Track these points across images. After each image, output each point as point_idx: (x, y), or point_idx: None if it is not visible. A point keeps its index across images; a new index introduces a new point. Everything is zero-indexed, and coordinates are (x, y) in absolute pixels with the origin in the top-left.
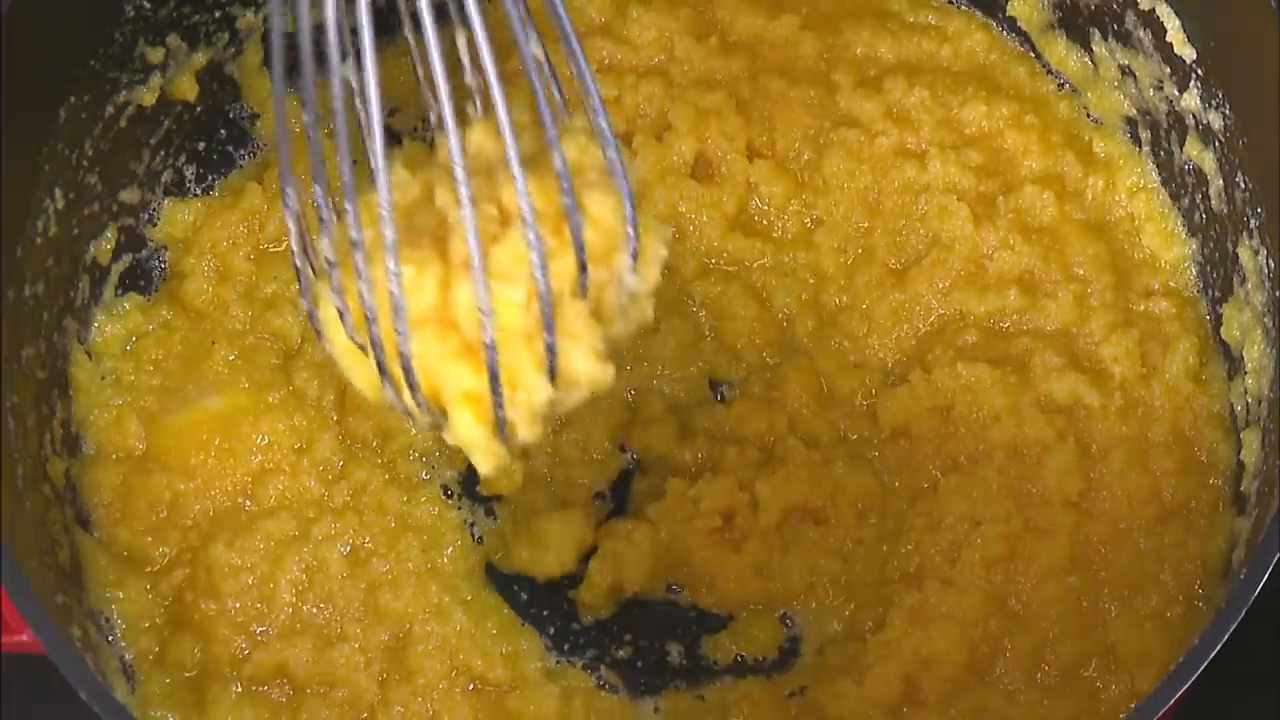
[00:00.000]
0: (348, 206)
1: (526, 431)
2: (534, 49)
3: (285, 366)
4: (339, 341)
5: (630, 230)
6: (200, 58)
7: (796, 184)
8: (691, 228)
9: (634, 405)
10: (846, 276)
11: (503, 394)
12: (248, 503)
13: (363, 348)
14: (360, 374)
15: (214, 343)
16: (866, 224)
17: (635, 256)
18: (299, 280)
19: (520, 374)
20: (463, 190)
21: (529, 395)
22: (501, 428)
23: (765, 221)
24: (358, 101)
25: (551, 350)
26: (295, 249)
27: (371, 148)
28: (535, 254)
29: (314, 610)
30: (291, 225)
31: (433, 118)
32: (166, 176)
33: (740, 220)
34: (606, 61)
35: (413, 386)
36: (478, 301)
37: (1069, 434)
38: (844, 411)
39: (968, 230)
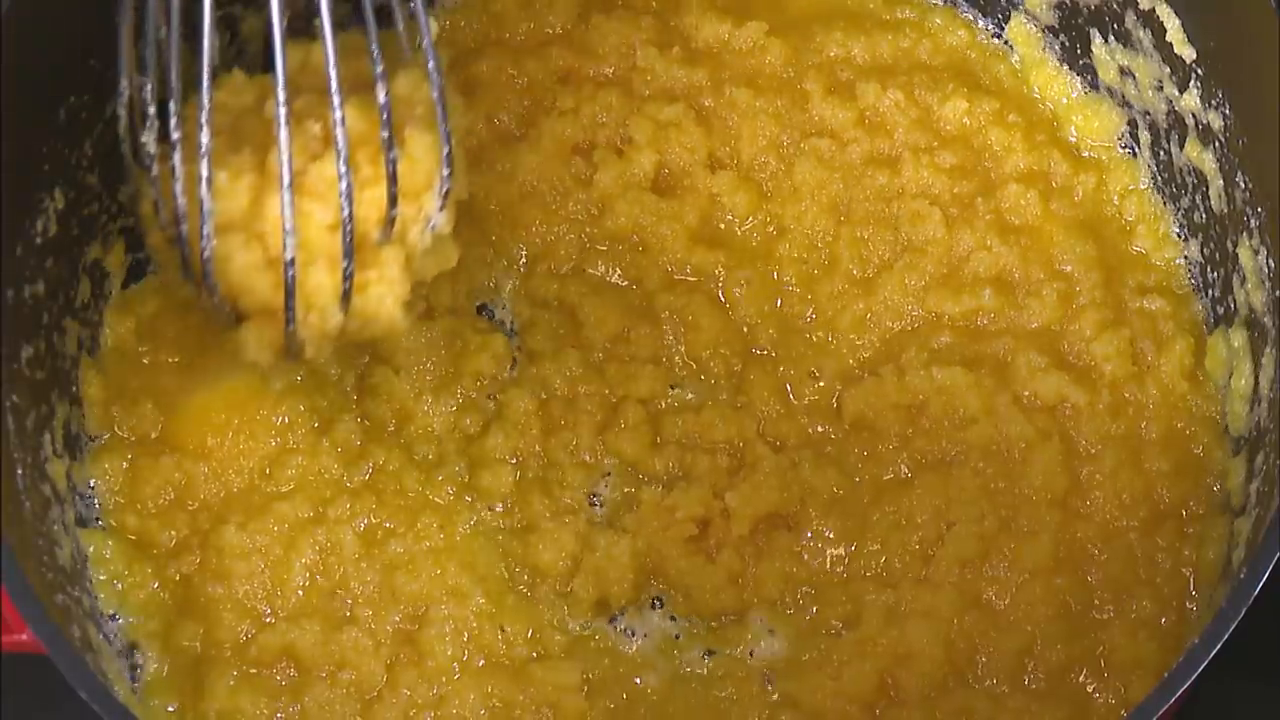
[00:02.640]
0: (169, 106)
1: (314, 351)
2: None
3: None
4: (153, 234)
5: (445, 170)
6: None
7: (760, 194)
8: (654, 240)
9: (614, 409)
10: (809, 285)
11: (295, 312)
12: (264, 484)
13: (173, 242)
14: (171, 268)
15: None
16: (832, 232)
17: (444, 198)
18: (123, 166)
19: (317, 296)
20: (280, 106)
21: (321, 319)
22: (291, 345)
23: (729, 232)
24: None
25: (348, 277)
26: (123, 138)
27: (199, 50)
28: (344, 181)
29: (326, 593)
30: (121, 114)
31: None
32: None
33: (703, 232)
34: (566, 71)
35: (211, 289)
36: (282, 219)
37: (1053, 433)
38: (807, 410)
39: (940, 234)
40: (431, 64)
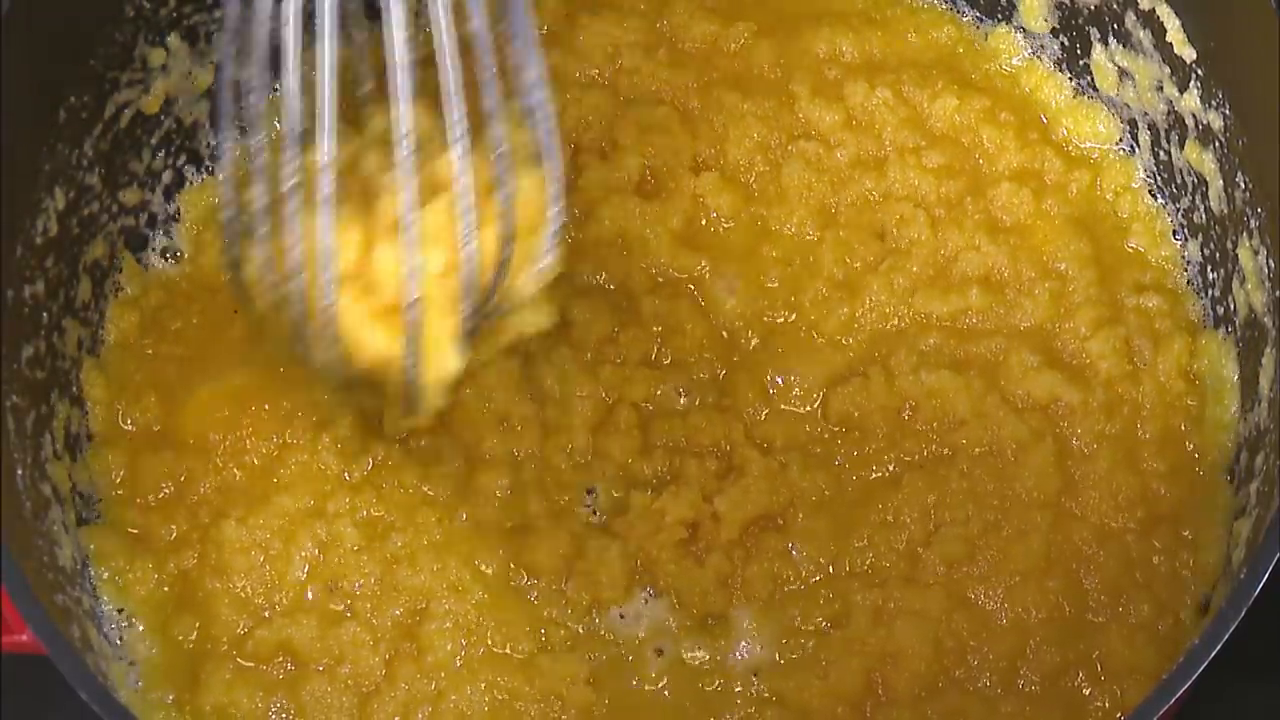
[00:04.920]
0: (287, 156)
1: (431, 402)
2: (479, 23)
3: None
4: (259, 300)
5: (555, 210)
6: (200, 60)
7: (746, 196)
8: (639, 244)
9: (608, 411)
10: (794, 287)
11: (417, 356)
12: (264, 479)
13: (280, 308)
14: (276, 340)
15: (236, 311)
16: (818, 234)
17: (554, 239)
18: (224, 237)
19: (434, 342)
20: (403, 145)
21: (440, 362)
22: (409, 398)
23: (713, 234)
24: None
25: (469, 316)
26: (225, 203)
27: (320, 100)
28: (465, 219)
29: (325, 587)
30: (221, 178)
31: (366, 91)
32: (167, 176)
33: (688, 235)
34: (552, 72)
35: (330, 342)
36: (406, 260)
37: (1046, 433)
38: (794, 412)
39: (926, 235)
40: (538, 98)
